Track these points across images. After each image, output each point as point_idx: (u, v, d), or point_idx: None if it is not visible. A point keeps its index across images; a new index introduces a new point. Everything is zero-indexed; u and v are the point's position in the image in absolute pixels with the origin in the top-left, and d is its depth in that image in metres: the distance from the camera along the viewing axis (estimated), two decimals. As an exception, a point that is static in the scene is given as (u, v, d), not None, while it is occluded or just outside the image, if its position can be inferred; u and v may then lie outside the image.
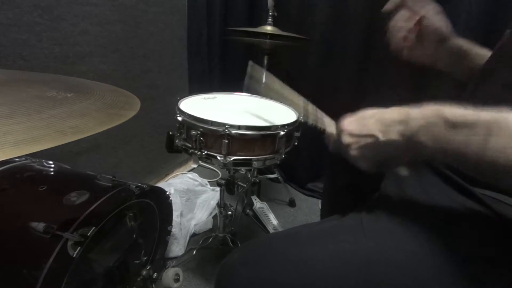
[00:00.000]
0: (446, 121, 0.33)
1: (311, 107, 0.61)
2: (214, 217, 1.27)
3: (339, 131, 0.45)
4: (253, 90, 0.76)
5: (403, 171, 0.42)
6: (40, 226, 0.50)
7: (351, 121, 0.44)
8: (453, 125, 0.32)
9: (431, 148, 0.35)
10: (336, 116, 0.50)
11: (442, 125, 0.33)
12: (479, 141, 0.30)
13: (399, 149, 0.38)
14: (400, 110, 0.39)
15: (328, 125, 0.54)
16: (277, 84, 0.68)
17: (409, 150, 0.37)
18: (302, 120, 0.74)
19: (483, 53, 0.56)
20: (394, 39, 0.59)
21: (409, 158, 0.40)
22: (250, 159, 0.69)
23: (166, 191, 0.79)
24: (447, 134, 0.33)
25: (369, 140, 0.40)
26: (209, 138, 0.67)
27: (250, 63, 0.72)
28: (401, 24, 0.57)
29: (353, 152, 0.42)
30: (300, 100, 0.65)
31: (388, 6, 0.58)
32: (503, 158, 0.29)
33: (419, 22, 0.56)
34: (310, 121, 0.57)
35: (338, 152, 0.46)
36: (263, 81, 0.71)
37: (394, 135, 0.38)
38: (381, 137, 0.39)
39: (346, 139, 0.43)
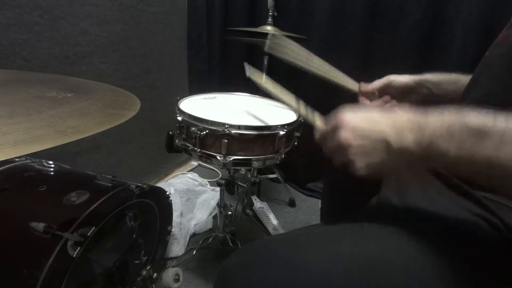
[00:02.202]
0: (470, 129, 0.30)
1: (301, 103, 0.59)
2: (214, 217, 1.27)
3: (336, 125, 0.39)
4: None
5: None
6: (40, 226, 0.50)
7: (356, 116, 0.38)
8: (478, 133, 0.30)
9: (453, 158, 0.31)
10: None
11: (466, 132, 0.30)
12: (491, 148, 0.29)
13: (413, 159, 0.34)
14: (413, 114, 0.35)
15: (318, 119, 0.49)
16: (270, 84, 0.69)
17: (425, 160, 0.34)
18: (300, 119, 0.74)
19: (455, 78, 0.61)
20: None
21: (422, 168, 0.37)
22: (250, 159, 0.69)
23: (166, 191, 0.79)
24: (473, 142, 0.30)
25: (379, 143, 0.35)
26: (209, 138, 0.68)
27: (246, 66, 0.74)
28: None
29: (353, 155, 0.37)
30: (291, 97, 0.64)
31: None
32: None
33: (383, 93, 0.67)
34: (301, 112, 0.55)
35: (326, 151, 0.42)
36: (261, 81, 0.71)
37: (408, 142, 0.34)
38: (394, 142, 0.34)
39: (346, 136, 0.37)
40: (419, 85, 0.65)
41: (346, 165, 0.39)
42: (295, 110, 0.57)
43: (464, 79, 0.55)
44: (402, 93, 0.66)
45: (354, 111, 0.39)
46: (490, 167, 0.29)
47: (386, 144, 0.35)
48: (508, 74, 0.42)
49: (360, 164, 0.37)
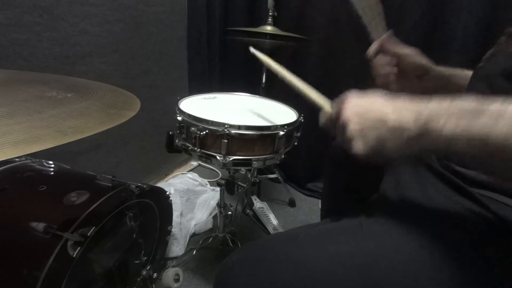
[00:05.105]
0: (467, 108, 0.31)
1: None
2: (214, 217, 1.27)
3: (340, 107, 0.42)
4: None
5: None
6: (40, 226, 0.50)
7: (359, 98, 0.41)
8: (475, 111, 0.31)
9: (449, 135, 0.32)
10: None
11: (463, 111, 0.31)
12: (486, 125, 0.29)
13: (409, 137, 0.35)
14: (413, 99, 0.37)
15: (325, 102, 0.51)
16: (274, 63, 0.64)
17: (420, 138, 0.34)
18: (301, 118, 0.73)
19: (465, 74, 0.58)
20: (378, 77, 0.65)
21: (416, 149, 0.36)
22: (250, 159, 0.69)
23: (166, 191, 0.79)
24: (470, 119, 0.31)
25: (377, 122, 0.37)
26: (209, 138, 0.68)
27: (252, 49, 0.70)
28: (381, 64, 0.64)
29: (352, 132, 0.39)
30: None
31: (370, 52, 0.65)
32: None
33: (399, 61, 0.63)
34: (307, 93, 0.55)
35: (330, 133, 0.46)
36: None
37: (406, 120, 0.35)
38: (391, 119, 0.36)
39: (348, 114, 0.40)
40: (437, 73, 0.61)
41: (347, 146, 0.40)
42: (301, 91, 0.55)
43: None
44: (415, 72, 0.62)
45: (359, 95, 0.42)
46: (483, 144, 0.30)
47: (384, 122, 0.37)
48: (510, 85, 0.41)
49: (358, 142, 0.39)
